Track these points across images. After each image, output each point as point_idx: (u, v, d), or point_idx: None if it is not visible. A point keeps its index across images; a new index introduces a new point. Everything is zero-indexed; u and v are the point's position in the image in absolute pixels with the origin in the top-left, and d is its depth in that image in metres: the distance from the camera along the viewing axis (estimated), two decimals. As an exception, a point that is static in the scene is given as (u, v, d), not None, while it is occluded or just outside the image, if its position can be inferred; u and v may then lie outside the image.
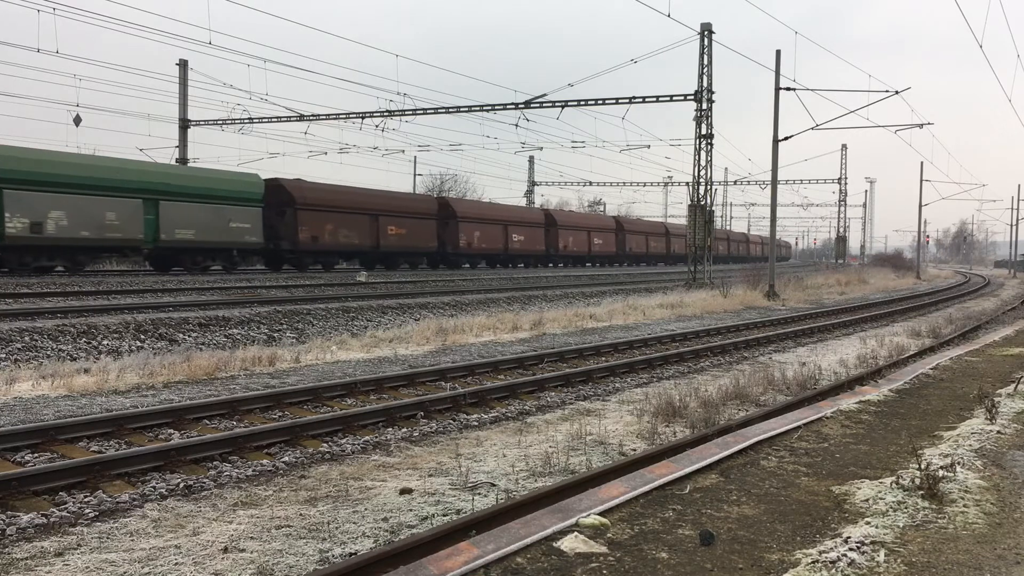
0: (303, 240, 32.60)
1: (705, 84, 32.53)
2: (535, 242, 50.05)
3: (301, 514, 5.81)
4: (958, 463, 6.04)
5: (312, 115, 37.95)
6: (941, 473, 5.57)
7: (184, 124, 40.32)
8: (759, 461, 6.59)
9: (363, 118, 37.82)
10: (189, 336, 14.42)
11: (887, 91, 26.68)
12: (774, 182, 29.40)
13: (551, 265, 52.18)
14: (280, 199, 32.10)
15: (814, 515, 5.26)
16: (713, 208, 35.73)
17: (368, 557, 4.56)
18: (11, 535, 5.34)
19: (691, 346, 15.76)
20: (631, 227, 64.25)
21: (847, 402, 9.08)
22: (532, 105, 35.15)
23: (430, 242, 40.19)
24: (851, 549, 4.41)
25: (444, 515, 5.78)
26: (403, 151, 53.16)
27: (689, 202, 34.68)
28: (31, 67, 62.58)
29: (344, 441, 8.04)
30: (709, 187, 33.50)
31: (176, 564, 4.82)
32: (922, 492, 5.34)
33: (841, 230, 77.71)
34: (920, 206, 56.79)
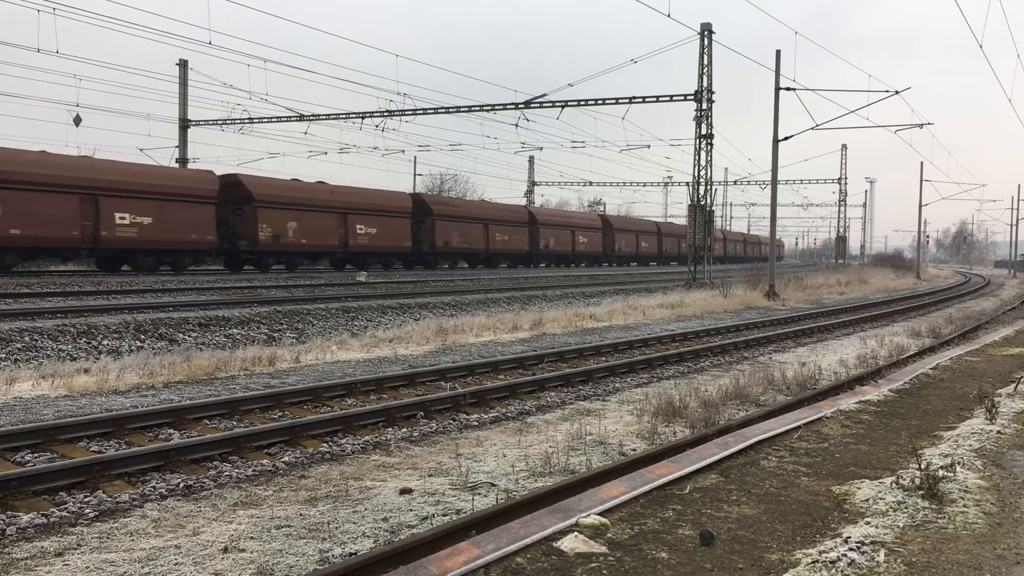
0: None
1: (705, 84, 32.52)
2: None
3: (301, 514, 5.81)
4: (958, 463, 6.04)
5: (312, 115, 37.96)
6: (941, 473, 5.56)
7: (184, 124, 40.33)
8: (759, 461, 6.59)
9: (363, 118, 37.83)
10: (189, 336, 14.42)
11: (887, 91, 26.71)
12: (774, 182, 29.40)
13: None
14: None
15: (814, 515, 5.26)
16: (713, 208, 35.72)
17: (368, 557, 4.56)
18: (11, 535, 5.34)
19: (691, 346, 15.76)
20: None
21: (847, 402, 9.08)
22: (532, 105, 35.16)
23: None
24: (851, 549, 4.41)
25: (444, 515, 5.78)
26: (403, 151, 53.34)
27: (689, 202, 34.69)
28: (31, 67, 62.54)
29: (344, 441, 8.04)
30: (709, 187, 33.51)
31: (176, 564, 4.82)
32: (922, 492, 5.33)
33: (841, 230, 77.75)
34: (920, 206, 56.83)
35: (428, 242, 40.09)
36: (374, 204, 36.55)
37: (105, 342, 13.24)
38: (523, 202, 66.60)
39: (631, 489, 5.62)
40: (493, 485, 6.56)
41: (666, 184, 73.10)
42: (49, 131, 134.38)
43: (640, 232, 65.83)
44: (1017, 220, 71.77)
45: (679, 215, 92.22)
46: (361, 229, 35.35)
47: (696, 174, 33.22)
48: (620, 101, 34.50)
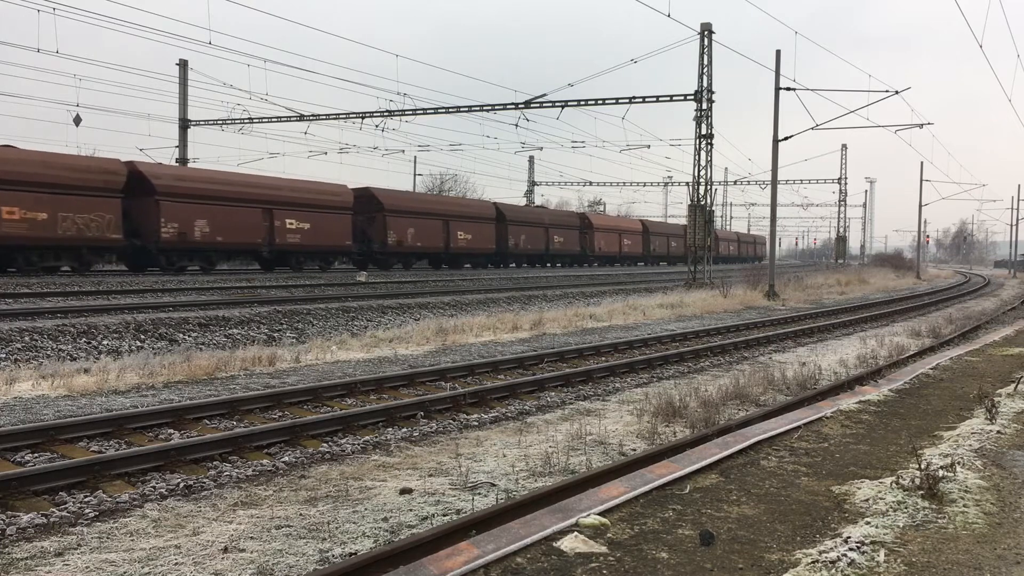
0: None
1: (705, 84, 32.53)
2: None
3: (301, 514, 5.80)
4: (958, 463, 6.04)
5: (312, 115, 37.98)
6: (941, 473, 5.56)
7: (184, 124, 40.33)
8: (759, 461, 6.59)
9: (363, 118, 37.84)
10: (189, 336, 14.42)
11: (887, 91, 26.71)
12: (774, 182, 29.40)
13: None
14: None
15: (814, 515, 5.26)
16: (713, 208, 35.72)
17: (368, 557, 4.56)
18: (11, 535, 5.34)
19: (691, 346, 15.76)
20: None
21: (847, 402, 9.08)
22: (532, 105, 35.16)
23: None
24: (851, 549, 4.41)
25: (444, 515, 5.78)
26: (403, 151, 53.30)
27: (689, 202, 34.70)
28: (31, 67, 62.61)
29: (344, 441, 8.04)
30: (709, 187, 33.52)
31: (176, 564, 4.82)
32: (922, 492, 5.33)
33: (841, 230, 77.78)
34: (920, 206, 56.82)
35: (379, 239, 37.02)
36: (308, 198, 33.16)
37: (105, 342, 13.24)
38: (523, 202, 66.61)
39: (631, 489, 5.62)
40: (493, 485, 6.56)
41: (666, 184, 73.25)
42: (49, 131, 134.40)
43: (624, 231, 62.31)
44: (1017, 220, 71.79)
45: (679, 215, 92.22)
46: (291, 225, 32.21)
47: (696, 174, 33.23)
48: (620, 101, 34.51)
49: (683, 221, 62.42)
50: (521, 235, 48.04)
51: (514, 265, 49.07)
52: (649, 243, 65.98)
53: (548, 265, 52.34)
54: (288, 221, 32.07)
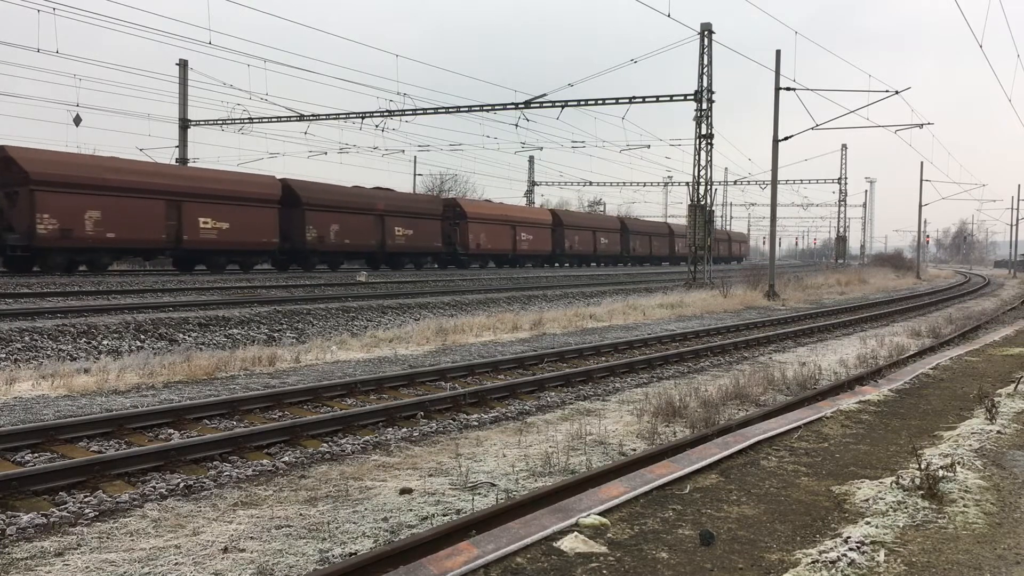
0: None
1: (705, 84, 32.53)
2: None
3: (301, 514, 5.80)
4: (958, 463, 6.04)
5: (312, 115, 37.97)
6: (941, 473, 5.56)
7: (184, 124, 40.33)
8: (759, 461, 6.59)
9: (363, 118, 37.83)
10: (189, 336, 14.42)
11: (887, 91, 26.70)
12: (774, 182, 29.40)
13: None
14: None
15: (814, 515, 5.26)
16: (713, 208, 35.73)
17: (368, 557, 4.56)
18: (11, 535, 5.34)
19: (691, 346, 15.76)
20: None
21: (847, 402, 9.08)
22: (532, 105, 35.16)
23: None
24: (851, 549, 4.40)
25: (444, 515, 5.78)
26: (403, 151, 53.26)
27: (689, 202, 34.70)
28: (31, 67, 62.65)
29: (344, 441, 8.04)
30: (709, 187, 33.52)
31: (176, 564, 4.82)
32: (922, 492, 5.33)
33: (841, 230, 77.79)
34: (920, 206, 56.82)
35: (299, 237, 33.43)
36: (223, 190, 29.78)
37: (105, 342, 13.24)
38: (523, 202, 66.64)
39: (631, 489, 5.62)
40: (493, 485, 6.56)
41: (666, 184, 73.21)
42: (49, 131, 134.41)
43: (598, 229, 58.97)
44: (1017, 220, 71.81)
45: (679, 215, 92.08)
46: (205, 222, 29.01)
47: (696, 174, 33.23)
48: (620, 101, 34.51)
49: (683, 221, 62.36)
50: (481, 234, 44.78)
51: (476, 266, 45.81)
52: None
53: (519, 266, 49.53)
54: (201, 218, 28.78)
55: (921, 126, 31.21)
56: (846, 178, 73.75)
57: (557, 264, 53.85)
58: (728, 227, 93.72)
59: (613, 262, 60.81)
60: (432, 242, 40.98)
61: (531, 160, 68.25)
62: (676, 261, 67.23)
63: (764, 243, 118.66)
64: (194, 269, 30.94)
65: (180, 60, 39.61)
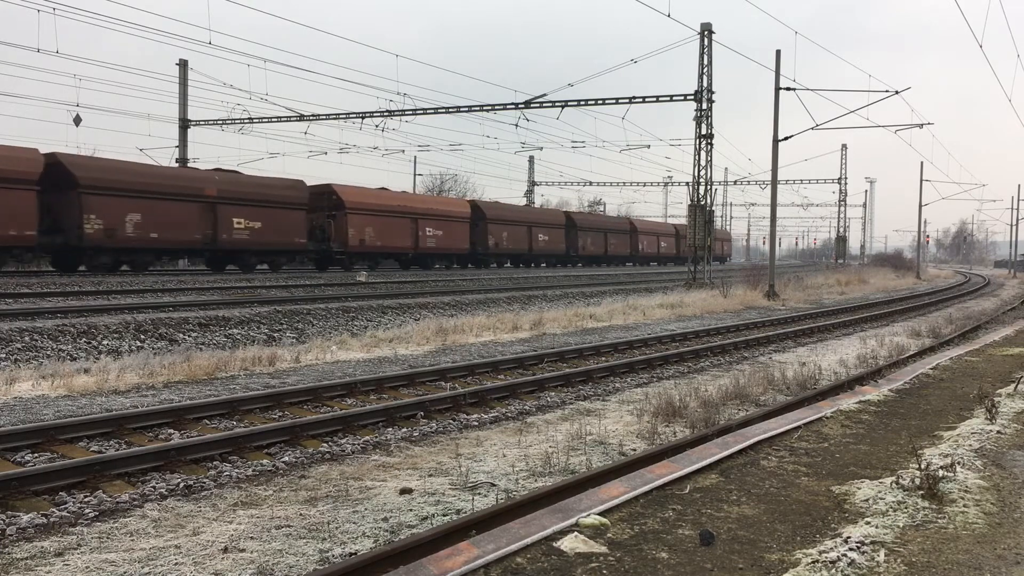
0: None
1: (705, 84, 32.52)
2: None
3: (301, 514, 5.80)
4: (958, 463, 6.04)
5: (312, 115, 37.95)
6: (941, 473, 5.56)
7: (184, 124, 40.32)
8: (759, 461, 6.59)
9: (363, 118, 37.81)
10: (189, 336, 14.42)
11: (887, 91, 26.70)
12: (774, 182, 29.40)
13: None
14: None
15: (814, 515, 5.26)
16: (713, 208, 35.72)
17: (368, 557, 4.56)
18: (11, 535, 5.34)
19: (691, 346, 15.76)
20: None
21: (847, 402, 9.08)
22: (532, 105, 35.14)
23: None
24: (851, 549, 4.41)
25: (444, 515, 5.78)
26: (403, 151, 53.35)
27: (689, 202, 34.69)
28: (31, 67, 62.66)
29: (344, 441, 8.04)
30: (709, 187, 33.50)
31: (176, 564, 4.82)
32: (922, 492, 5.33)
33: (841, 230, 77.76)
34: (920, 206, 56.81)
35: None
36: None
37: (105, 342, 13.24)
38: (523, 202, 66.61)
39: (631, 489, 5.62)
40: (493, 485, 6.56)
41: (666, 184, 73.22)
42: (49, 131, 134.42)
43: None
44: (1017, 220, 71.77)
45: (679, 215, 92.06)
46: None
47: (696, 174, 33.22)
48: (620, 101, 34.50)
49: (683, 221, 62.50)
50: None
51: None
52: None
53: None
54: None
55: (921, 126, 31.24)
56: (846, 178, 73.74)
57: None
58: (729, 227, 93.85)
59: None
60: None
61: (531, 160, 68.26)
62: (681, 261, 67.29)
63: (764, 243, 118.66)
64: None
65: (180, 60, 39.59)
